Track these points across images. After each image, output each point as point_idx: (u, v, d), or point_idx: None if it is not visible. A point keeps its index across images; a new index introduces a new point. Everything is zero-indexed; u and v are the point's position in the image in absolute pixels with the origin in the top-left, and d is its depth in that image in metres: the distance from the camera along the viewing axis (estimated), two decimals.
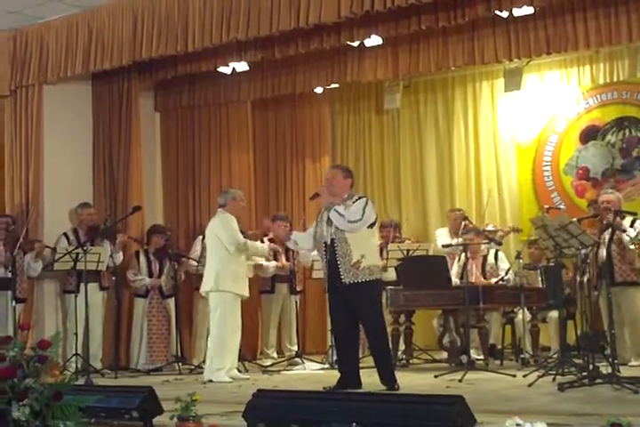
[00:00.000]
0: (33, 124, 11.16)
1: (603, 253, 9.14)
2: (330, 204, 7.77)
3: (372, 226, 7.84)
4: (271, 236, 10.91)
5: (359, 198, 7.85)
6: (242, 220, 9.56)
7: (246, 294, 9.28)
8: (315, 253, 8.75)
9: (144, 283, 10.82)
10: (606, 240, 9.10)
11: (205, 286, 9.17)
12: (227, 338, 9.03)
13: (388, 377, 7.58)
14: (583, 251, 7.91)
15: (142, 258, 10.95)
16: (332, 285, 7.74)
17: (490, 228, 11.21)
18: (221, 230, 9.10)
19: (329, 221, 7.74)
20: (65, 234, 10.75)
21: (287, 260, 10.92)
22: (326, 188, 7.93)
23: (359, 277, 7.61)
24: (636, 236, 9.01)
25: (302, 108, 13.34)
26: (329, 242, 7.72)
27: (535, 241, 9.62)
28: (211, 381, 8.81)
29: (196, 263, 10.69)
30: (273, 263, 10.86)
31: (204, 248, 10.04)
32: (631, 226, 9.14)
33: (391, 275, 10.98)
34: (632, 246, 9.04)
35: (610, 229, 8.82)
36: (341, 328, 7.89)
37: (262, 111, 13.20)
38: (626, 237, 9.08)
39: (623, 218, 8.98)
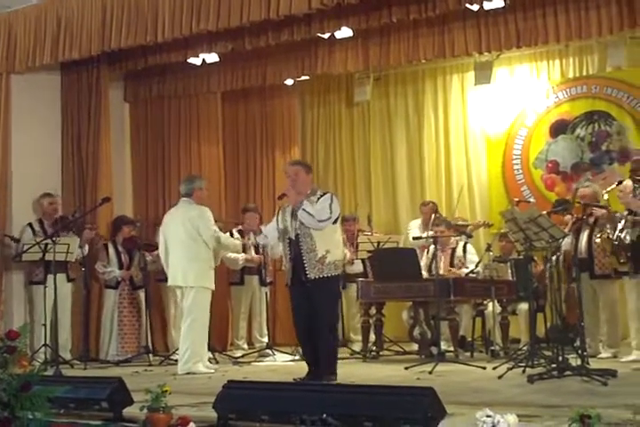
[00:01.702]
0: (0, 114, 11.04)
1: (582, 245, 9.19)
2: (299, 203, 7.74)
3: (335, 221, 7.84)
4: (240, 228, 10.91)
5: (323, 194, 7.86)
6: (211, 209, 9.46)
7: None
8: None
9: (114, 275, 10.75)
10: (586, 233, 9.17)
11: (188, 281, 8.98)
12: (205, 331, 9.05)
13: (324, 371, 7.52)
14: (561, 241, 7.95)
15: (111, 250, 10.88)
16: (296, 279, 7.74)
17: (460, 222, 11.24)
18: (202, 226, 8.96)
19: (294, 217, 7.74)
20: (30, 224, 10.69)
21: (257, 252, 10.88)
22: (291, 186, 7.89)
23: (324, 272, 7.65)
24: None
25: (272, 100, 13.31)
26: (293, 237, 7.74)
27: (506, 234, 9.65)
28: (188, 373, 8.73)
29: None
30: (242, 255, 10.80)
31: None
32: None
33: (358, 267, 11.01)
34: (598, 240, 9.07)
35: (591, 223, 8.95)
36: (305, 321, 7.83)
37: (232, 103, 13.14)
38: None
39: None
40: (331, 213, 7.68)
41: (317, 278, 7.63)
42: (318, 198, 7.77)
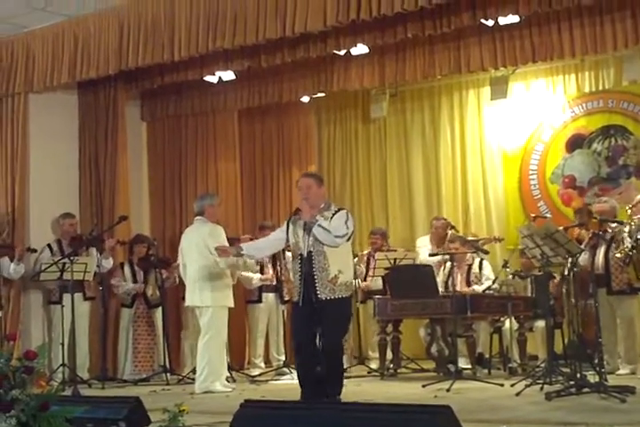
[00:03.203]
0: (19, 133, 11.10)
1: (598, 261, 9.16)
2: (313, 218, 7.41)
3: (349, 239, 7.56)
4: None
5: (338, 210, 7.56)
6: (228, 227, 9.46)
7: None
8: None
9: (127, 288, 10.76)
10: (602, 249, 9.14)
11: (205, 301, 9.00)
12: (222, 349, 9.06)
13: (332, 393, 7.27)
14: (578, 257, 7.93)
15: (127, 268, 10.90)
16: (305, 298, 7.36)
17: (470, 238, 11.20)
18: (213, 244, 8.78)
19: (307, 232, 7.40)
20: (49, 245, 10.74)
21: (274, 269, 10.87)
22: (304, 199, 7.56)
23: (336, 293, 7.32)
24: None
25: (288, 118, 13.33)
26: (305, 255, 7.39)
27: None
28: (205, 392, 8.73)
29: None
30: (257, 275, 10.78)
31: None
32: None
33: (377, 284, 10.96)
34: (618, 255, 9.01)
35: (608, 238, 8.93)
36: (306, 341, 7.43)
37: (249, 120, 13.16)
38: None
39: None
40: (347, 228, 7.39)
41: (328, 299, 7.32)
42: (333, 214, 7.49)
